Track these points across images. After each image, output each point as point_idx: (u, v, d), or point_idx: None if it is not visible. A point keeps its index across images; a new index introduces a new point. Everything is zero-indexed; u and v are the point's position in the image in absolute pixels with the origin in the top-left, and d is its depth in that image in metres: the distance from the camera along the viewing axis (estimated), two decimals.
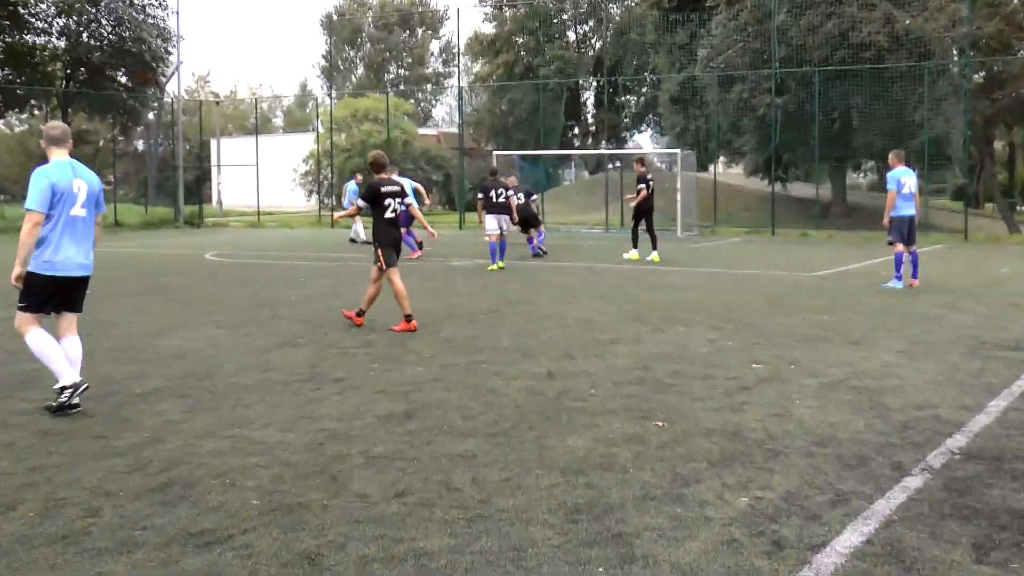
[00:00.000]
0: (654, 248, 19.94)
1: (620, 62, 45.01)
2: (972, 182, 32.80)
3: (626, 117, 50.91)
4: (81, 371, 7.14)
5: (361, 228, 25.30)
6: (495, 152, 37.89)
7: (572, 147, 53.47)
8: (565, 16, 54.51)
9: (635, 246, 20.30)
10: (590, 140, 55.38)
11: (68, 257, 6.83)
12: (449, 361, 8.75)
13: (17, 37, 40.91)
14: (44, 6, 40.85)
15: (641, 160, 20.55)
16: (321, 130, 45.95)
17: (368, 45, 74.95)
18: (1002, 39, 31.42)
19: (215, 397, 7.35)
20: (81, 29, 41.92)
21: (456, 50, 49.53)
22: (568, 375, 8.09)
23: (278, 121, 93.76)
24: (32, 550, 4.29)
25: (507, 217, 18.48)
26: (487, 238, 18.47)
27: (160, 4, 42.62)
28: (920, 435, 6.14)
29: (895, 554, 4.20)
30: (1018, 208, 42.71)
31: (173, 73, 43.64)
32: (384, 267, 10.55)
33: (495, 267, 17.76)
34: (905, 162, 15.05)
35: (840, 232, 29.57)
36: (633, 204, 20.02)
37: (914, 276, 14.69)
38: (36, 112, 44.84)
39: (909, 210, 14.59)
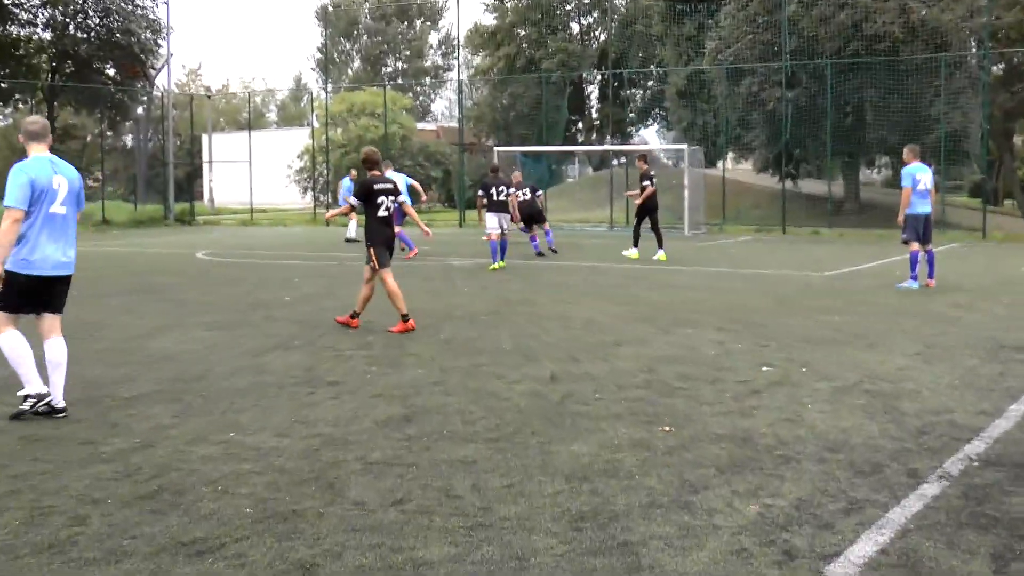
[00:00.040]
0: (660, 247, 19.95)
1: (625, 55, 45.05)
2: (990, 178, 32.83)
3: (631, 112, 50.95)
4: (68, 374, 7.14)
5: (353, 226, 25.19)
6: (496, 148, 37.90)
7: (575, 143, 53.51)
8: (568, 7, 54.55)
9: (635, 245, 20.32)
10: (594, 135, 55.41)
11: (47, 256, 6.82)
12: (449, 364, 8.76)
13: (1, 29, 40.94)
14: None
15: (644, 157, 20.57)
16: (316, 125, 45.94)
17: (365, 37, 74.92)
18: (1022, 29, 31.43)
19: (207, 401, 7.35)
20: (67, 20, 41.97)
21: (456, 42, 49.58)
22: (572, 378, 8.09)
23: (272, 116, 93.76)
24: (17, 559, 4.29)
25: (507, 215, 18.52)
26: (486, 237, 18.50)
27: None
28: (937, 441, 6.14)
29: (911, 564, 4.20)
30: None
31: (163, 66, 43.69)
32: (376, 267, 10.59)
33: (496, 266, 17.77)
34: (921, 158, 15.06)
35: (853, 230, 29.56)
36: (638, 202, 20.03)
37: (930, 276, 14.69)
38: (21, 106, 44.88)
39: (925, 207, 14.58)
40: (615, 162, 41.41)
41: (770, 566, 4.18)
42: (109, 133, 47.29)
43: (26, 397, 6.83)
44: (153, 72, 45.15)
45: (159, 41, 43.25)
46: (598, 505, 4.95)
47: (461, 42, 51.16)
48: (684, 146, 32.15)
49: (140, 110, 47.79)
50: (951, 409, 6.97)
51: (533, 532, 4.58)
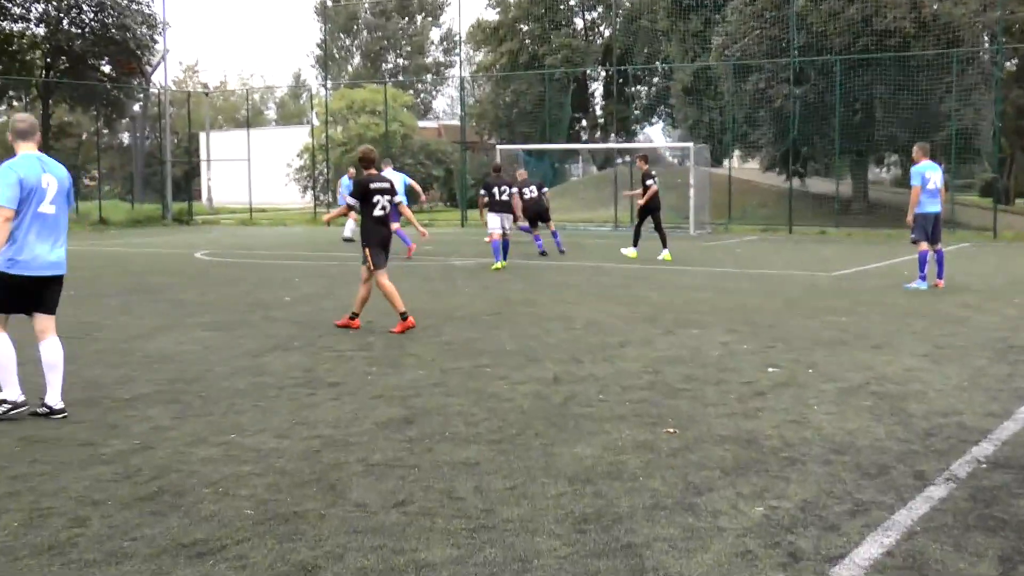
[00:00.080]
0: (664, 246, 20.01)
1: (630, 51, 45.03)
2: (1002, 177, 32.85)
3: (636, 109, 50.89)
4: (66, 375, 7.20)
5: (350, 224, 25.06)
6: (498, 146, 37.92)
7: (579, 140, 53.49)
8: (572, 2, 54.55)
9: (635, 244, 20.37)
10: (598, 133, 55.38)
11: (36, 255, 6.85)
12: (450, 365, 8.80)
13: None
14: None
15: (644, 157, 20.65)
16: (316, 123, 46.00)
17: (365, 33, 74.97)
18: None
19: (206, 402, 7.40)
20: (61, 15, 42.04)
21: (457, 38, 49.63)
22: (575, 379, 8.14)
23: (270, 113, 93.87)
24: (16, 561, 4.34)
25: (510, 215, 18.59)
26: (488, 238, 18.58)
27: None
28: (944, 443, 6.18)
29: (917, 567, 4.24)
30: None
31: (159, 62, 43.75)
32: (372, 268, 10.67)
33: (498, 266, 17.82)
34: (931, 156, 15.08)
35: (861, 230, 29.56)
36: (642, 202, 20.08)
37: (939, 276, 14.72)
38: (15, 104, 44.97)
39: (934, 207, 14.61)
40: (619, 160, 41.42)
41: (775, 568, 4.23)
42: (105, 131, 47.35)
43: (2, 402, 6.88)
44: (149, 69, 45.20)
45: (155, 37, 43.31)
46: (602, 507, 5.00)
47: (463, 38, 51.08)
48: (690, 144, 32.14)
49: (136, 107, 47.87)
50: (959, 411, 7.01)
51: (536, 534, 4.63)
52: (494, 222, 18.25)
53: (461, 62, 46.25)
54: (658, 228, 20.20)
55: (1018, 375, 8.27)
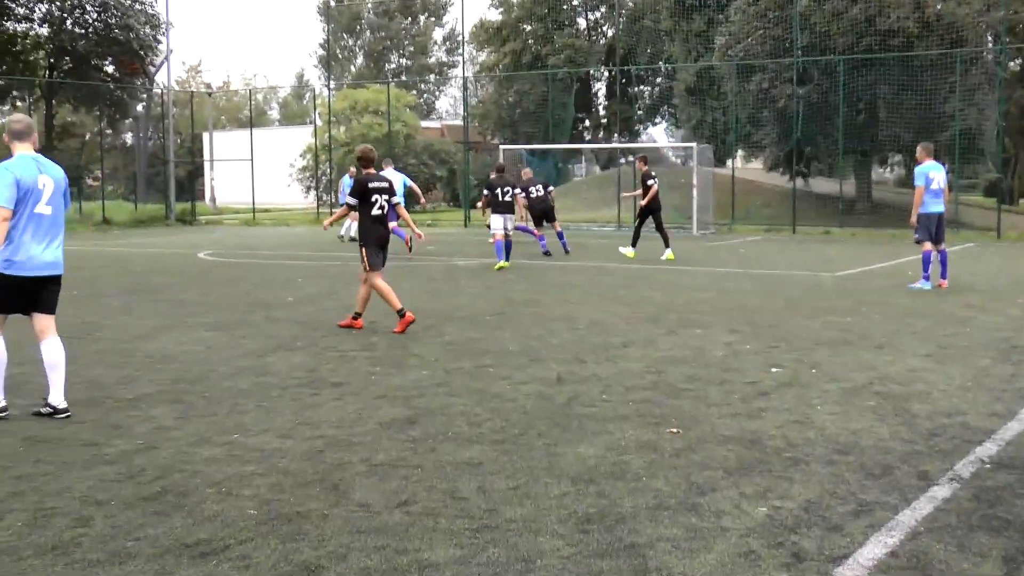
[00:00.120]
0: (667, 246, 20.02)
1: (633, 51, 45.00)
2: (1006, 177, 32.77)
3: (639, 109, 50.89)
4: (69, 375, 7.21)
5: (347, 223, 24.96)
6: (501, 146, 37.92)
7: (582, 140, 53.50)
8: (575, 2, 54.56)
9: (634, 244, 20.39)
10: (601, 133, 55.38)
11: (32, 256, 6.86)
12: (453, 365, 8.81)
13: None
14: None
15: (644, 158, 20.70)
16: (319, 123, 46.01)
17: (368, 33, 75.02)
18: None
19: (209, 402, 7.41)
20: (65, 16, 42.11)
21: (460, 38, 49.62)
22: (578, 380, 8.14)
23: (274, 113, 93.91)
24: (20, 561, 4.35)
25: (512, 216, 18.65)
26: (492, 239, 18.64)
27: None
28: (948, 443, 6.18)
29: (921, 567, 4.24)
30: None
31: (163, 62, 43.76)
32: (367, 268, 10.72)
33: (501, 265, 17.84)
34: (934, 156, 15.07)
35: (864, 230, 29.55)
36: (644, 202, 20.08)
37: (943, 276, 14.71)
38: (18, 104, 45.02)
39: (938, 207, 14.61)
40: (623, 160, 41.42)
41: (778, 568, 4.23)
42: (108, 131, 47.43)
43: None
44: (153, 69, 45.26)
45: (158, 37, 43.35)
46: (605, 507, 5.00)
47: (466, 38, 51.14)
48: (693, 144, 32.12)
49: (140, 107, 47.94)
50: (963, 411, 7.00)
51: (539, 534, 4.63)
52: (497, 223, 18.29)
53: (464, 62, 46.20)
54: (659, 228, 20.25)
55: (1022, 375, 8.27)
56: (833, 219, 31.11)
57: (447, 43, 75.70)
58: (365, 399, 7.49)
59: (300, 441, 6.29)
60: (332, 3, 69.22)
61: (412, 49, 74.57)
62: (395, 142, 42.03)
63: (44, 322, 7.08)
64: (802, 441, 6.22)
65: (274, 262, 20.38)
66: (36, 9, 42.20)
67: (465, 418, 6.86)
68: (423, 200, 25.55)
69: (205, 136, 56.17)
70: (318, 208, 42.66)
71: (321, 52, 73.11)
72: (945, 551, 4.40)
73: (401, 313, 10.65)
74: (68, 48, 42.06)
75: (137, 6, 42.81)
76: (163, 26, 42.65)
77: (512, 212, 18.61)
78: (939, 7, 30.35)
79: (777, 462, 5.77)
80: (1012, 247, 24.44)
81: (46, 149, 43.38)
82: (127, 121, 49.70)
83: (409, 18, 74.40)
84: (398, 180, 21.69)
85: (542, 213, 21.05)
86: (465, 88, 41.04)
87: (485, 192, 19.16)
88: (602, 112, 56.28)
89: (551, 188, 22.17)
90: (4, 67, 40.90)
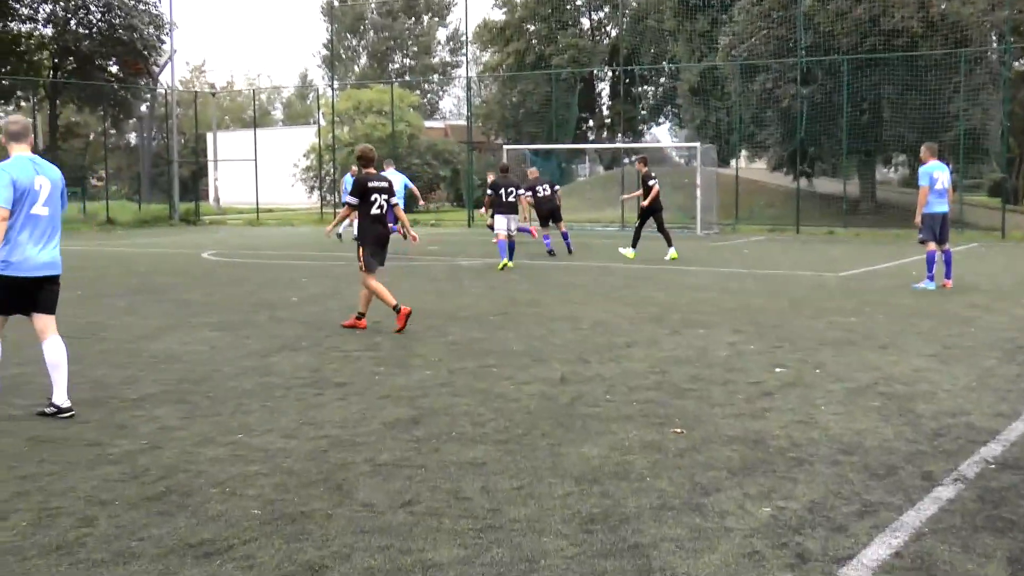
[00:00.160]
0: (670, 245, 20.02)
1: (637, 51, 45.02)
2: (1010, 177, 32.72)
3: (643, 109, 50.91)
4: (72, 375, 7.22)
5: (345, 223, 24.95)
6: (505, 146, 37.91)
7: (586, 140, 53.48)
8: (579, 2, 54.54)
9: (634, 245, 20.39)
10: (605, 133, 55.37)
11: (28, 257, 6.87)
12: (457, 365, 8.81)
13: (1, 25, 41.15)
14: None
15: (644, 159, 20.70)
16: (323, 123, 46.05)
17: (371, 33, 75.08)
18: None
19: (213, 402, 7.42)
20: (69, 16, 42.18)
21: (464, 38, 49.64)
22: (582, 380, 8.14)
23: (277, 114, 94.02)
24: (25, 561, 4.36)
25: (516, 216, 18.67)
26: (494, 239, 18.69)
27: None
28: (952, 443, 6.17)
29: (925, 568, 4.24)
30: None
31: (166, 62, 43.81)
32: (363, 269, 10.77)
33: (504, 263, 17.85)
34: (938, 156, 15.06)
35: (868, 230, 29.53)
36: (646, 203, 20.08)
37: (947, 276, 14.70)
38: (22, 104, 45.11)
39: (942, 207, 14.59)
40: (626, 160, 41.40)
41: (782, 569, 4.22)
42: (112, 131, 47.52)
43: None
44: (156, 69, 45.34)
45: (162, 37, 43.44)
46: (608, 507, 5.00)
47: (469, 38, 51.14)
48: (696, 144, 32.10)
49: (143, 108, 48.02)
50: (967, 411, 7.00)
51: (543, 534, 4.63)
52: (500, 224, 18.30)
53: (468, 62, 46.24)
54: (661, 229, 20.26)
55: None
56: (837, 219, 31.08)
57: (451, 43, 75.74)
58: (369, 399, 7.50)
59: (304, 441, 6.30)
60: (336, 3, 69.25)
61: (416, 49, 74.62)
62: (399, 142, 42.04)
63: (44, 322, 7.09)
64: (806, 441, 6.21)
65: (278, 262, 20.39)
66: (40, 9, 42.30)
67: (469, 418, 6.86)
68: (422, 202, 25.58)
69: (209, 136, 56.29)
70: (322, 208, 42.68)
71: (325, 52, 73.22)
72: (949, 552, 4.40)
73: (396, 308, 10.69)
74: (72, 48, 42.14)
75: (141, 6, 42.88)
76: (167, 26, 42.71)
77: (515, 212, 18.64)
78: (943, 7, 30.31)
79: (781, 462, 5.77)
80: (1016, 247, 24.40)
81: (50, 149, 43.50)
82: (131, 121, 49.79)
83: (413, 18, 74.43)
84: (399, 181, 21.72)
85: (548, 213, 21.06)
86: (469, 88, 41.07)
87: (488, 192, 19.16)
88: (606, 112, 56.28)
89: (557, 187, 22.16)
90: (8, 67, 40.98)
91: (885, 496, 5.16)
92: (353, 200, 10.85)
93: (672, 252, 19.86)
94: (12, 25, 41.83)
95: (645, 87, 50.96)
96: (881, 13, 30.31)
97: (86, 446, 6.21)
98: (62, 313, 7.28)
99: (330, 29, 64.64)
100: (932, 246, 14.56)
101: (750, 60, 33.09)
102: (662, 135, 58.99)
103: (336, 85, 49.23)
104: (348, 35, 74.83)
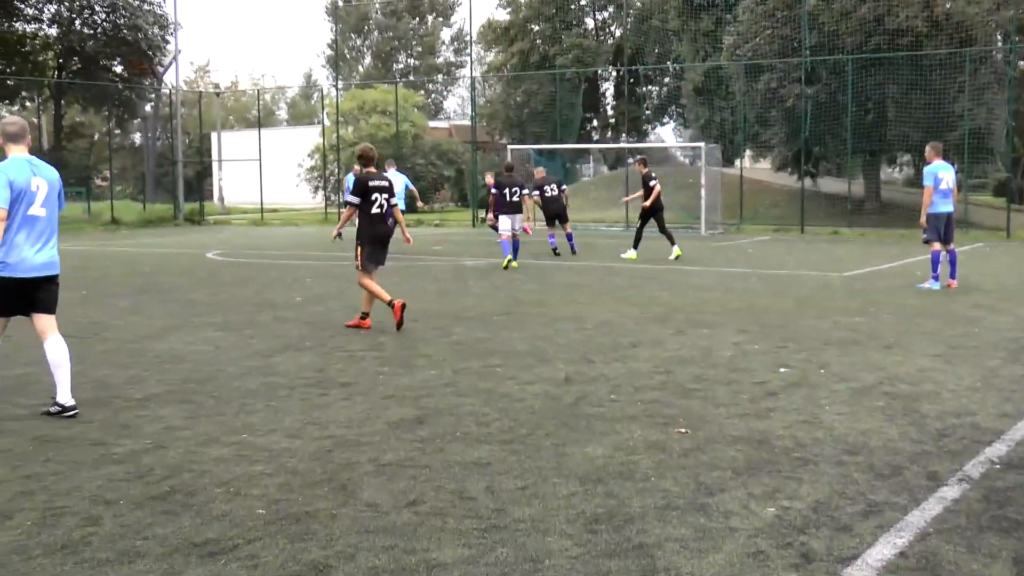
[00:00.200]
0: (673, 244, 20.01)
1: (641, 51, 45.01)
2: (1016, 176, 32.68)
3: (647, 109, 50.95)
4: (77, 374, 7.23)
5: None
6: (509, 146, 37.91)
7: (590, 140, 53.49)
8: (583, 2, 54.55)
9: (635, 246, 20.40)
10: (609, 133, 55.38)
11: (24, 258, 6.87)
12: (461, 365, 8.81)
13: (6, 25, 41.25)
14: None
15: (643, 161, 20.70)
16: (327, 123, 46.08)
17: (376, 33, 75.10)
18: None
19: (217, 402, 7.43)
20: (73, 16, 42.24)
21: (468, 38, 49.64)
22: (586, 380, 8.14)
23: (282, 114, 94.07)
24: (30, 560, 4.37)
25: (520, 216, 18.67)
26: (498, 239, 18.70)
27: None
28: (957, 443, 6.16)
29: (930, 568, 4.23)
30: None
31: (171, 63, 43.86)
32: (360, 268, 10.79)
33: (508, 260, 17.85)
34: (943, 156, 15.04)
35: (873, 230, 29.49)
36: (647, 204, 20.07)
37: (952, 276, 14.67)
38: (27, 104, 45.20)
39: (947, 207, 14.57)
40: (630, 160, 41.39)
41: (787, 569, 4.22)
42: (117, 131, 47.53)
43: None
44: (161, 69, 45.36)
45: (167, 37, 43.49)
46: (613, 507, 5.00)
47: (474, 38, 51.26)
48: (701, 144, 32.09)
49: (148, 108, 48.01)
50: (972, 411, 6.99)
51: (547, 534, 4.63)
52: (505, 224, 18.31)
53: (472, 62, 46.40)
54: (662, 229, 20.25)
55: None
56: (842, 219, 31.05)
57: (455, 43, 75.74)
58: (373, 399, 7.50)
59: (308, 441, 6.30)
60: (340, 3, 69.27)
61: (420, 49, 74.61)
62: (403, 142, 42.06)
63: (44, 322, 7.10)
64: (811, 441, 6.21)
65: (282, 262, 20.41)
66: (45, 10, 42.37)
67: (473, 418, 6.86)
68: (420, 203, 25.62)
69: (213, 136, 56.33)
70: (326, 208, 42.69)
71: (329, 52, 73.18)
72: (954, 552, 4.39)
73: (390, 304, 10.70)
74: (77, 48, 42.20)
75: (145, 7, 42.94)
76: (171, 26, 42.78)
77: (520, 212, 18.64)
78: (948, 6, 30.28)
79: (786, 462, 5.76)
80: (1022, 247, 24.36)
81: (55, 149, 43.60)
82: (135, 121, 49.80)
83: (417, 18, 74.43)
84: (400, 182, 21.72)
85: (555, 214, 21.03)
86: (473, 88, 41.05)
87: (492, 191, 19.16)
88: (610, 112, 56.29)
89: (565, 187, 22.13)
90: (13, 68, 41.04)
91: (890, 496, 5.15)
92: (355, 200, 10.87)
93: (676, 250, 19.85)
94: (17, 25, 41.90)
95: (649, 87, 50.98)
96: (886, 12, 30.28)
97: (91, 446, 6.22)
98: (66, 313, 7.30)
99: (334, 29, 64.71)
100: (937, 246, 14.54)
101: (754, 60, 33.07)
102: (666, 135, 58.97)
103: (340, 85, 49.25)
104: (352, 35, 74.84)
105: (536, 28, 52.94)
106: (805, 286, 15.20)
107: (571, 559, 4.33)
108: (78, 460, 5.89)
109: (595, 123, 56.37)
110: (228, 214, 46.30)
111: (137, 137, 53.58)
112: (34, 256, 6.93)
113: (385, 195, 10.89)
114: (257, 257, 21.79)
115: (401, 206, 20.44)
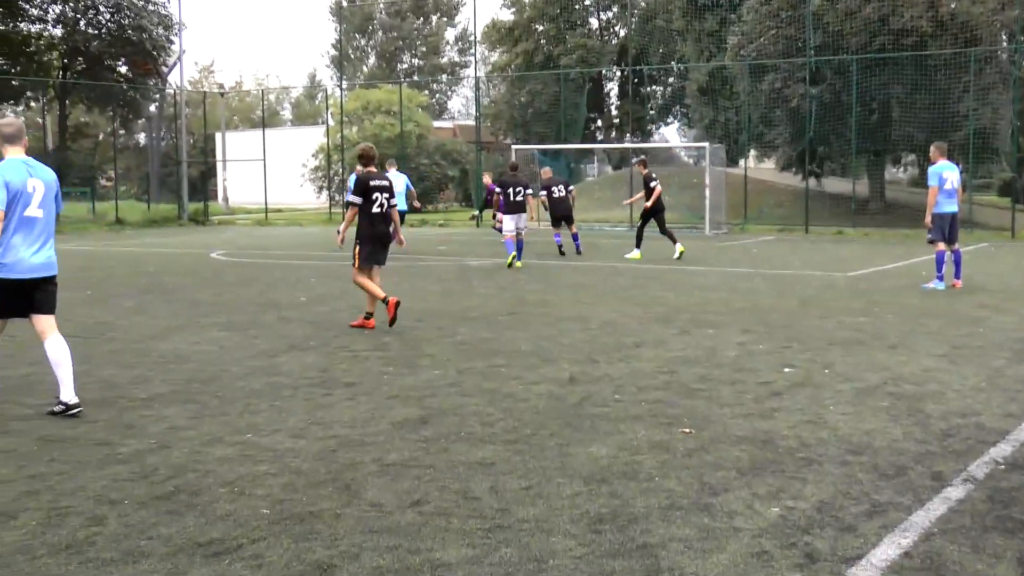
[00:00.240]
0: (675, 243, 19.99)
1: (645, 51, 44.96)
2: (1020, 176, 32.59)
3: (652, 109, 50.86)
4: (81, 374, 7.24)
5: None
6: (514, 146, 37.91)
7: (595, 140, 53.49)
8: (588, 2, 54.53)
9: (638, 246, 20.39)
10: (614, 133, 55.37)
11: (21, 259, 6.88)
12: (465, 365, 8.82)
13: (11, 25, 41.31)
14: None
15: (643, 161, 20.71)
16: (331, 123, 46.10)
17: (380, 33, 75.12)
18: None
19: (222, 402, 7.43)
20: (78, 16, 42.30)
21: (473, 38, 49.65)
22: (590, 380, 8.14)
23: (286, 114, 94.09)
24: (34, 560, 4.37)
25: (524, 216, 18.67)
26: (502, 238, 18.72)
27: None
28: (962, 444, 6.16)
29: (935, 568, 4.23)
30: None
31: (175, 63, 43.92)
32: (356, 265, 10.82)
33: (512, 259, 17.85)
34: (948, 156, 15.02)
35: (878, 230, 29.46)
36: (648, 204, 20.06)
37: (957, 276, 14.66)
38: (32, 104, 45.31)
39: (951, 207, 14.56)
40: (635, 160, 41.40)
41: (791, 569, 4.22)
42: (121, 131, 47.64)
43: None
44: (165, 69, 45.42)
45: (171, 37, 43.51)
46: (617, 507, 5.00)
47: (478, 38, 51.20)
48: (705, 144, 32.07)
49: (152, 108, 48.14)
50: (977, 411, 6.98)
51: (551, 534, 4.63)
52: (509, 224, 18.33)
53: (476, 62, 46.28)
54: (663, 230, 20.25)
55: None
56: (846, 219, 31.01)
57: (459, 43, 75.76)
58: (377, 399, 7.50)
59: (312, 441, 6.31)
60: (344, 3, 69.33)
61: (424, 49, 74.63)
62: (407, 142, 42.06)
63: (44, 323, 7.11)
64: (815, 441, 6.20)
65: (286, 262, 20.42)
66: (50, 10, 42.43)
67: (477, 418, 6.86)
68: (417, 205, 25.63)
69: (217, 136, 56.35)
70: (330, 208, 42.72)
71: (333, 52, 73.22)
72: (959, 552, 4.39)
73: (385, 301, 10.71)
74: (82, 49, 42.26)
75: (150, 7, 42.99)
76: (176, 27, 42.81)
77: (524, 211, 18.64)
78: (953, 6, 30.24)
79: (790, 462, 5.76)
80: None
81: (60, 149, 43.65)
82: (140, 121, 49.93)
83: (421, 18, 74.45)
84: (400, 182, 21.72)
85: (562, 216, 21.01)
86: (477, 88, 41.07)
87: (497, 190, 19.15)
88: (614, 112, 56.27)
89: (572, 188, 22.13)
90: (18, 68, 41.11)
91: (894, 496, 5.15)
92: (357, 200, 10.89)
93: (679, 247, 19.84)
94: (22, 26, 41.96)
95: (654, 87, 50.91)
96: (890, 12, 30.25)
97: (95, 445, 6.23)
98: (71, 313, 7.32)
99: (339, 29, 64.73)
100: (942, 246, 14.52)
101: (759, 60, 33.04)
102: (671, 135, 59.02)
103: (345, 85, 49.25)
104: (357, 35, 74.87)
105: (540, 28, 52.94)
106: (809, 286, 15.19)
107: (575, 559, 4.33)
108: (83, 460, 5.90)
109: (599, 123, 56.37)
110: (232, 214, 46.33)
111: (141, 137, 53.74)
112: (31, 257, 6.93)
113: (385, 195, 10.92)
114: (261, 257, 21.81)
115: (402, 206, 20.50)
